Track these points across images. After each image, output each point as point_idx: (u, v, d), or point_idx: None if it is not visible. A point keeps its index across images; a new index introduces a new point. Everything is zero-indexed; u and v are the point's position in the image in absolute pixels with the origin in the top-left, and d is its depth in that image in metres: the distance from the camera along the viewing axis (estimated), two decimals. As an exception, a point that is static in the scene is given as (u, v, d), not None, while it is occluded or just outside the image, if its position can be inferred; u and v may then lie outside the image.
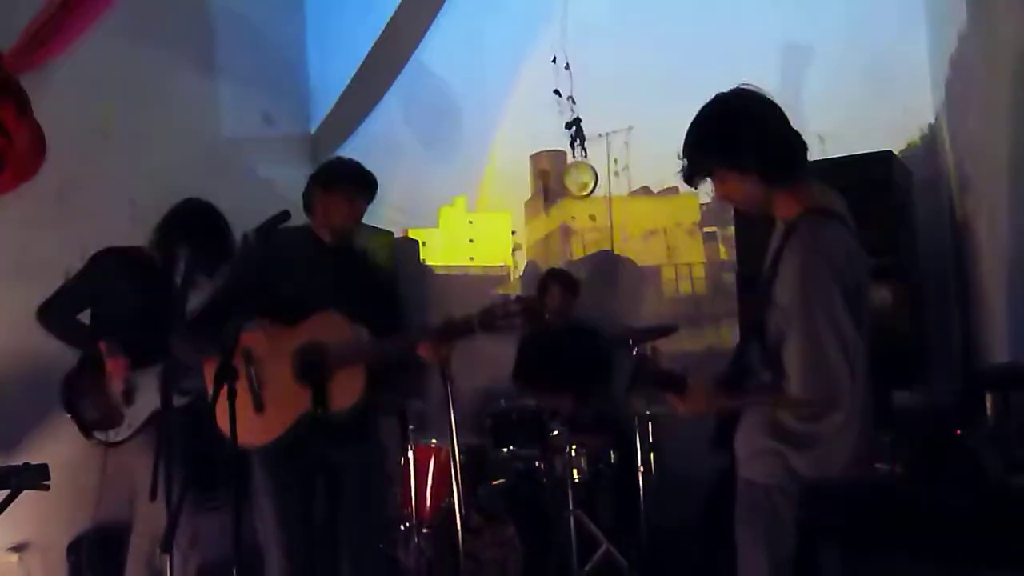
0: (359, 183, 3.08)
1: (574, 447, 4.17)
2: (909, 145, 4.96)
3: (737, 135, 2.17)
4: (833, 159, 4.08)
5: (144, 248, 3.62)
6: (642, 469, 4.24)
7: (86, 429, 3.46)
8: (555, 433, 4.26)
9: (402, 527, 4.20)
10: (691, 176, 2.28)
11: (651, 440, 4.32)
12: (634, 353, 4.15)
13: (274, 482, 2.94)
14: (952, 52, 4.35)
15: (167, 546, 2.80)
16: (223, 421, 2.51)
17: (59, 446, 3.48)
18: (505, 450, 4.42)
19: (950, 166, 4.66)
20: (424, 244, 7.07)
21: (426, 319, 3.41)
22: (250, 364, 2.90)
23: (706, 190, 2.35)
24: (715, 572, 2.82)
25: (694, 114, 2.25)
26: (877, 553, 2.27)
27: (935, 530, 2.46)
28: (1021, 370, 3.23)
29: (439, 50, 6.14)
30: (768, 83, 2.24)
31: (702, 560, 3.64)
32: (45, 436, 3.71)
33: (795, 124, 2.22)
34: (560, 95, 6.08)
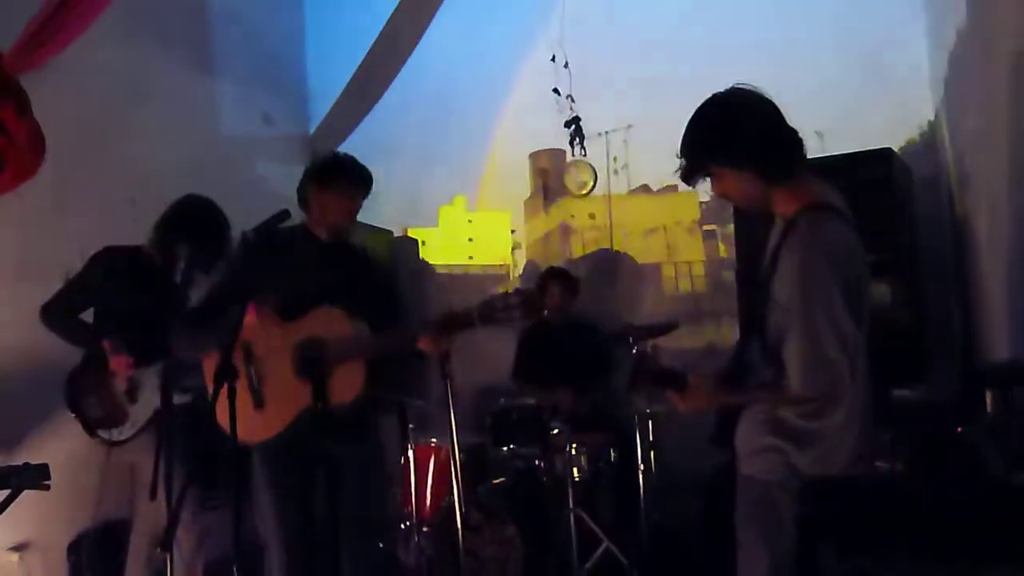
0: (355, 179, 3.06)
1: (574, 445, 4.17)
2: (908, 142, 4.97)
3: (733, 133, 2.18)
4: (833, 156, 4.09)
5: (145, 247, 3.62)
6: (642, 467, 4.25)
7: (90, 428, 3.46)
8: (555, 431, 4.26)
9: (403, 526, 4.20)
10: (689, 175, 2.29)
11: (651, 438, 4.32)
12: (634, 351, 4.15)
13: (274, 477, 2.94)
14: (951, 48, 4.35)
15: (167, 545, 2.80)
16: (223, 419, 2.51)
17: (60, 445, 3.48)
18: (505, 449, 4.41)
19: (950, 163, 4.66)
20: (423, 243, 7.07)
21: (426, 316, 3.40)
22: (250, 361, 2.90)
23: (705, 188, 2.36)
24: (715, 569, 2.82)
25: (694, 111, 2.26)
26: (877, 550, 2.27)
27: (936, 527, 2.46)
28: (1022, 367, 3.23)
29: (438, 50, 6.14)
30: (767, 80, 2.25)
31: (703, 558, 3.64)
32: (45, 435, 3.71)
33: (794, 121, 2.23)
34: (559, 94, 6.08)
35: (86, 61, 4.11)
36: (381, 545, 4.07)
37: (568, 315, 4.91)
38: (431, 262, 7.00)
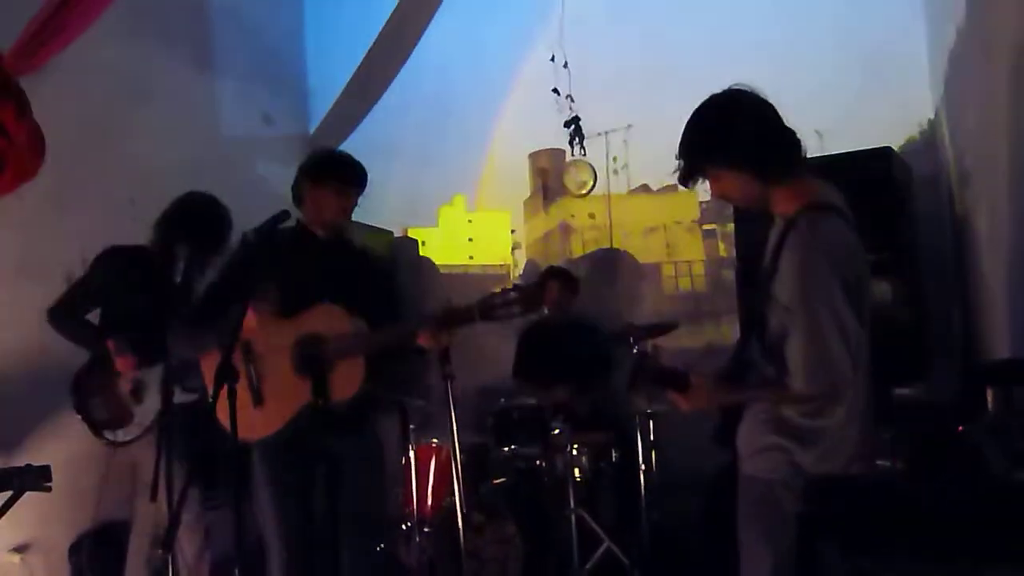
0: (350, 175, 3.05)
1: (575, 445, 4.17)
2: (908, 141, 4.97)
3: (730, 135, 2.19)
4: (832, 156, 4.08)
5: (148, 247, 3.62)
6: (643, 467, 4.24)
7: (96, 429, 3.46)
8: (556, 432, 4.26)
9: (404, 526, 4.20)
10: (687, 177, 2.30)
11: (652, 438, 4.32)
12: (635, 351, 4.15)
13: (273, 474, 2.94)
14: (951, 47, 4.35)
15: (168, 546, 2.79)
16: (224, 419, 2.51)
17: (61, 446, 3.48)
18: (506, 449, 4.41)
19: (950, 161, 4.67)
20: (423, 244, 7.07)
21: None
22: (249, 359, 2.90)
23: (705, 187, 2.36)
24: (717, 569, 2.82)
25: (693, 111, 2.26)
26: (877, 550, 2.27)
27: (936, 527, 2.46)
28: (1023, 365, 3.22)
29: (437, 50, 6.14)
30: (767, 80, 2.25)
31: (704, 557, 3.63)
32: (46, 436, 3.71)
33: (793, 120, 2.23)
34: (559, 94, 6.09)
35: (87, 60, 4.10)
36: (383, 546, 4.07)
37: (568, 314, 4.91)
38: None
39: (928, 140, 4.91)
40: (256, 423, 2.85)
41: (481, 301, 2.75)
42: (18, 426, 3.80)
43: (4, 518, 2.55)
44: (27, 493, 2.54)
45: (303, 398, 2.77)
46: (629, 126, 6.27)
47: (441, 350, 2.96)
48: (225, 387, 2.43)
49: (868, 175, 3.94)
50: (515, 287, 2.76)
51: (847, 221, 2.21)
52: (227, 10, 5.54)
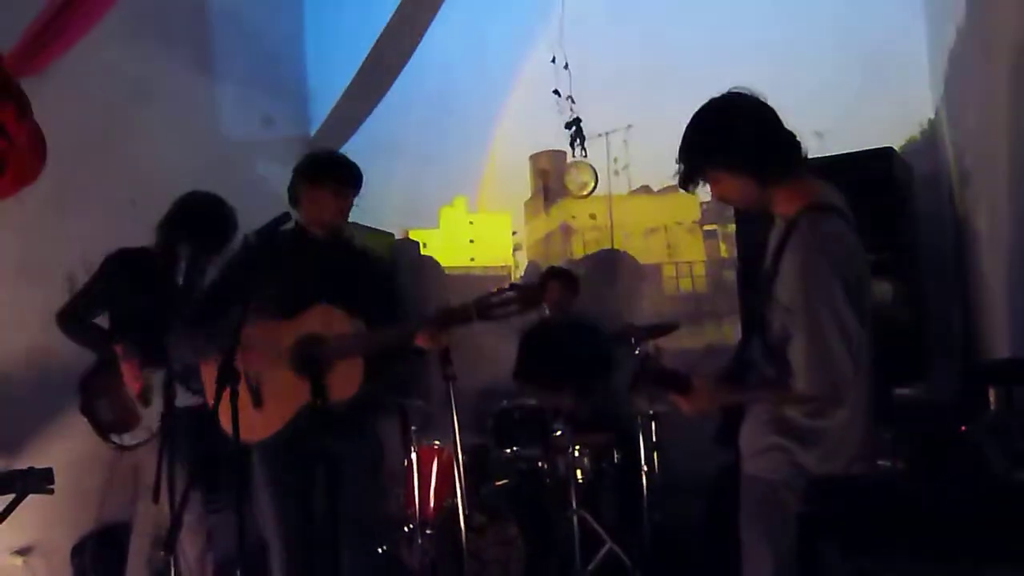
0: (345, 175, 3.06)
1: (577, 447, 4.17)
2: (909, 140, 4.97)
3: (729, 138, 2.20)
4: (833, 156, 4.08)
5: (151, 248, 3.62)
6: (645, 468, 4.24)
7: (102, 431, 3.46)
8: (558, 433, 4.26)
9: (406, 528, 4.20)
10: (687, 180, 2.31)
11: (654, 439, 4.32)
12: (637, 352, 4.15)
13: (273, 475, 2.95)
14: (951, 47, 4.35)
15: (170, 547, 2.80)
16: (226, 421, 2.51)
17: (63, 448, 3.48)
18: (508, 450, 4.41)
19: (950, 161, 4.66)
20: (424, 245, 7.06)
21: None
22: (247, 362, 2.89)
23: (706, 188, 2.37)
24: (719, 570, 2.82)
25: (694, 111, 2.27)
26: (878, 550, 2.27)
27: (937, 526, 2.46)
28: (1023, 364, 3.22)
29: (438, 51, 6.14)
30: (767, 80, 2.26)
31: (706, 558, 3.63)
32: (49, 438, 3.71)
33: (793, 121, 2.23)
34: (559, 95, 6.09)
35: (89, 62, 4.11)
36: (385, 548, 4.07)
37: (569, 315, 4.92)
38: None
39: (929, 140, 4.91)
40: (256, 424, 2.85)
41: (478, 300, 2.75)
42: (20, 428, 3.80)
43: (7, 521, 2.55)
44: (30, 496, 2.54)
45: (302, 399, 2.77)
46: (629, 126, 6.27)
47: (441, 351, 2.96)
48: (227, 390, 2.44)
49: (869, 175, 3.94)
50: (512, 286, 2.76)
51: (848, 222, 2.22)
52: (228, 13, 5.55)
